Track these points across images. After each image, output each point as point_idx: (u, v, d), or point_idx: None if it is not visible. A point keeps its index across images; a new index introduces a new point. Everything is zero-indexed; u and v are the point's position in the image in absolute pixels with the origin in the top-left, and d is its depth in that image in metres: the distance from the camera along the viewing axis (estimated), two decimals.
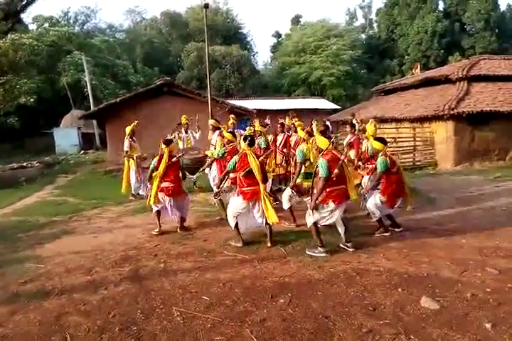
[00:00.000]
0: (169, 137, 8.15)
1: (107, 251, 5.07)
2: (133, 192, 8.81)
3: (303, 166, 5.55)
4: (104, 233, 6.02)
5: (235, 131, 7.48)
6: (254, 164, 4.84)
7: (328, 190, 4.59)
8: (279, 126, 8.14)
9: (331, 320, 3.16)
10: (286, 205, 5.79)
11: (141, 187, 8.73)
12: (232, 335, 2.99)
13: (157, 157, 5.84)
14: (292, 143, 7.41)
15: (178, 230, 5.91)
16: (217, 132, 7.42)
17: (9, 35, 18.90)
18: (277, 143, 8.00)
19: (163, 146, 5.86)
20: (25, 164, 17.48)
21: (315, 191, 4.63)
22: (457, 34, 37.76)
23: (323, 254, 4.59)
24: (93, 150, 23.86)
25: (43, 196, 10.15)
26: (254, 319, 3.21)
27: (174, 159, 5.84)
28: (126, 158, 8.81)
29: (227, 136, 6.18)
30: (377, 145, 5.28)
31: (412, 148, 13.26)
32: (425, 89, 16.09)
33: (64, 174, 14.78)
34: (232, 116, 8.39)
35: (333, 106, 24.68)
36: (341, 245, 4.82)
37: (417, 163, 12.96)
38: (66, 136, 24.92)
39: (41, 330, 3.17)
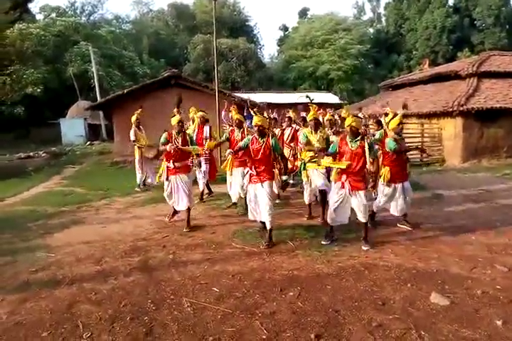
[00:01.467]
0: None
1: (116, 242, 5.09)
2: (138, 182, 8.77)
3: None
4: (113, 223, 6.04)
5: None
6: None
7: None
8: (286, 119, 8.09)
9: (340, 313, 3.17)
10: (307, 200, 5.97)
11: (150, 177, 8.68)
12: (242, 327, 3.00)
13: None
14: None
15: (185, 229, 5.55)
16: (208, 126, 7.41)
17: (17, 25, 18.91)
18: (285, 137, 7.97)
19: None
20: (32, 154, 17.60)
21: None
22: (467, 29, 37.37)
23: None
24: (99, 142, 23.93)
25: (51, 186, 10.20)
26: (264, 311, 3.23)
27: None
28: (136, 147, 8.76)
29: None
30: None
31: (419, 144, 13.14)
32: (434, 85, 15.92)
33: (71, 165, 14.84)
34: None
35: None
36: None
37: (425, 159, 12.87)
38: (72, 127, 25.01)
39: (53, 318, 3.21)
